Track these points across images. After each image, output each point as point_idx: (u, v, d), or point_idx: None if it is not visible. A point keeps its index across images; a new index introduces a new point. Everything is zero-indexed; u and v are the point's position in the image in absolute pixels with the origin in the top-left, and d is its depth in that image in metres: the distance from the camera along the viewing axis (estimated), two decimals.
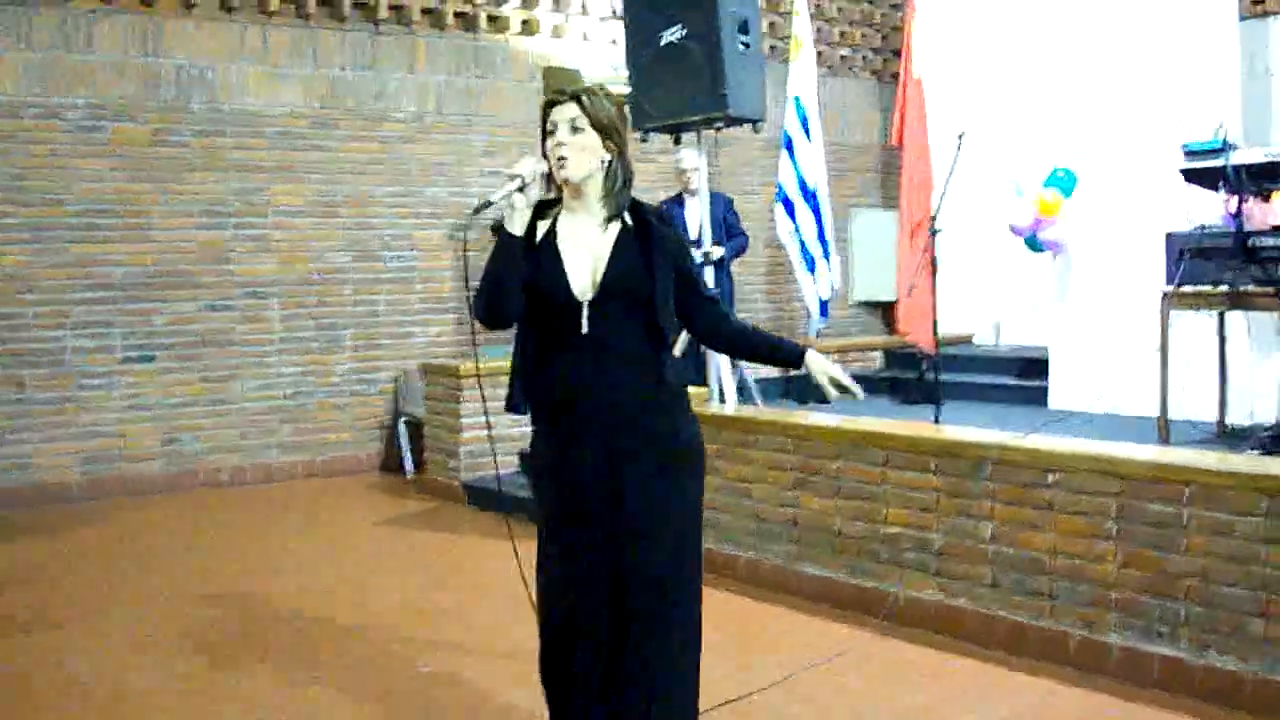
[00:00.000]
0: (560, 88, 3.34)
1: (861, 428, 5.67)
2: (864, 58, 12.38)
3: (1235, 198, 5.90)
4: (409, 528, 7.77)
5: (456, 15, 9.68)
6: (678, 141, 7.45)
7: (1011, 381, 9.41)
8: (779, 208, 9.25)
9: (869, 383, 9.62)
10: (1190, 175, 6.06)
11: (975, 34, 9.89)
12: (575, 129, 3.24)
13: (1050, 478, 4.85)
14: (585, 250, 3.29)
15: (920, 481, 5.35)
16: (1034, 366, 9.30)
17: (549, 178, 3.30)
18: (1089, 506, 4.74)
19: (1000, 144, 9.37)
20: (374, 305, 9.55)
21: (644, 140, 7.16)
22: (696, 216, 8.79)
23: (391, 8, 9.40)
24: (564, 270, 3.27)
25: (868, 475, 5.57)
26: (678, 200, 8.97)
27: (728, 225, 8.93)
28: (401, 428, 9.44)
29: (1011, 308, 10.35)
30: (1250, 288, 6.31)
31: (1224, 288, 6.45)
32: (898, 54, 12.46)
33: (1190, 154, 6.00)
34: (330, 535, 7.52)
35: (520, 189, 3.20)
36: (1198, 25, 8.94)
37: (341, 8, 9.21)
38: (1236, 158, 5.76)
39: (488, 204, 3.26)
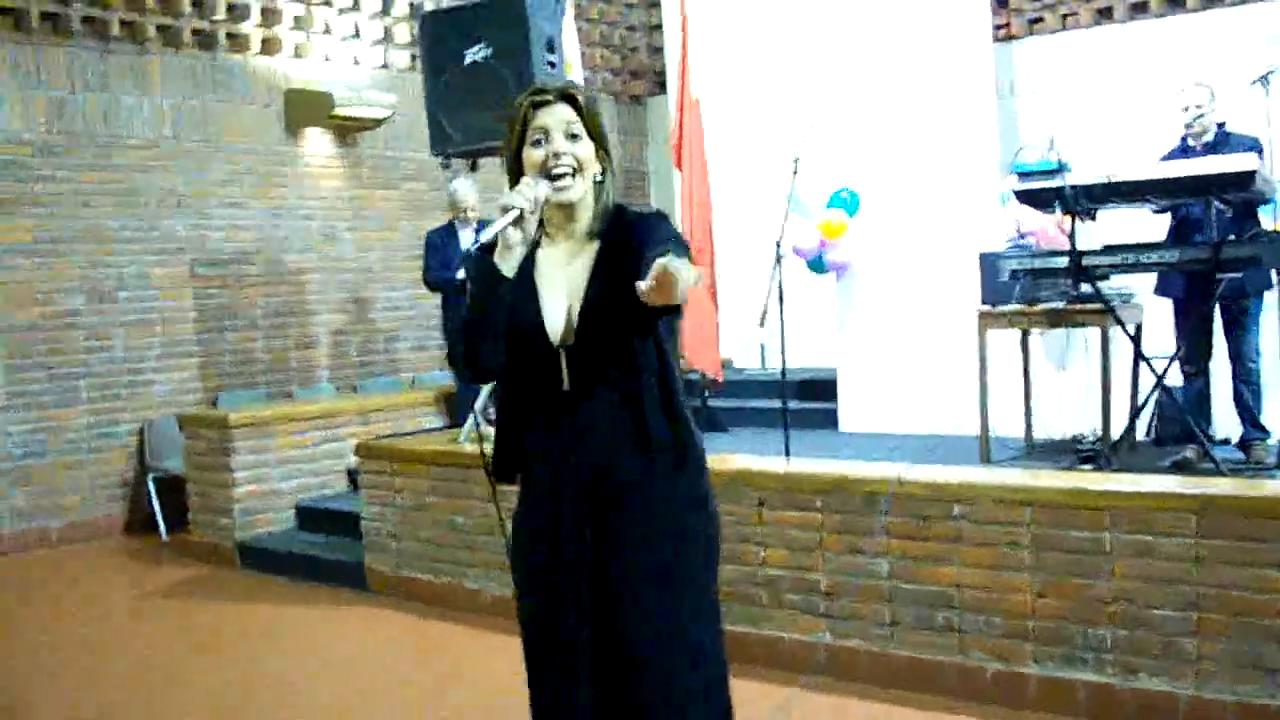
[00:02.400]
0: (543, 85, 2.81)
1: (735, 467, 5.36)
2: (603, 79, 12.15)
3: (1069, 218, 5.92)
4: (181, 597, 6.95)
5: (194, 33, 8.83)
6: (474, 168, 6.94)
7: (794, 405, 9.31)
8: None
9: None
10: (1023, 196, 6.06)
11: (752, 55, 9.81)
12: (572, 135, 2.71)
13: (956, 509, 4.68)
14: (563, 284, 2.76)
15: (801, 520, 5.08)
16: (811, 388, 9.25)
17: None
18: (1000, 537, 4.60)
19: (783, 165, 9.27)
20: (110, 351, 8.57)
21: (446, 167, 6.66)
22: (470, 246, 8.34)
23: (123, 24, 8.48)
24: (540, 312, 2.74)
25: (742, 515, 5.25)
26: (449, 230, 8.46)
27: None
28: (151, 485, 8.50)
29: (777, 331, 10.28)
30: (1076, 305, 6.39)
31: (1046, 305, 6.52)
32: (636, 75, 12.36)
33: (1023, 175, 5.99)
34: (94, 614, 6.61)
35: (518, 221, 2.62)
36: (957, 47, 9.16)
37: (69, 23, 8.23)
38: (1073, 178, 5.77)
39: (490, 244, 2.69)
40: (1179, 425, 6.65)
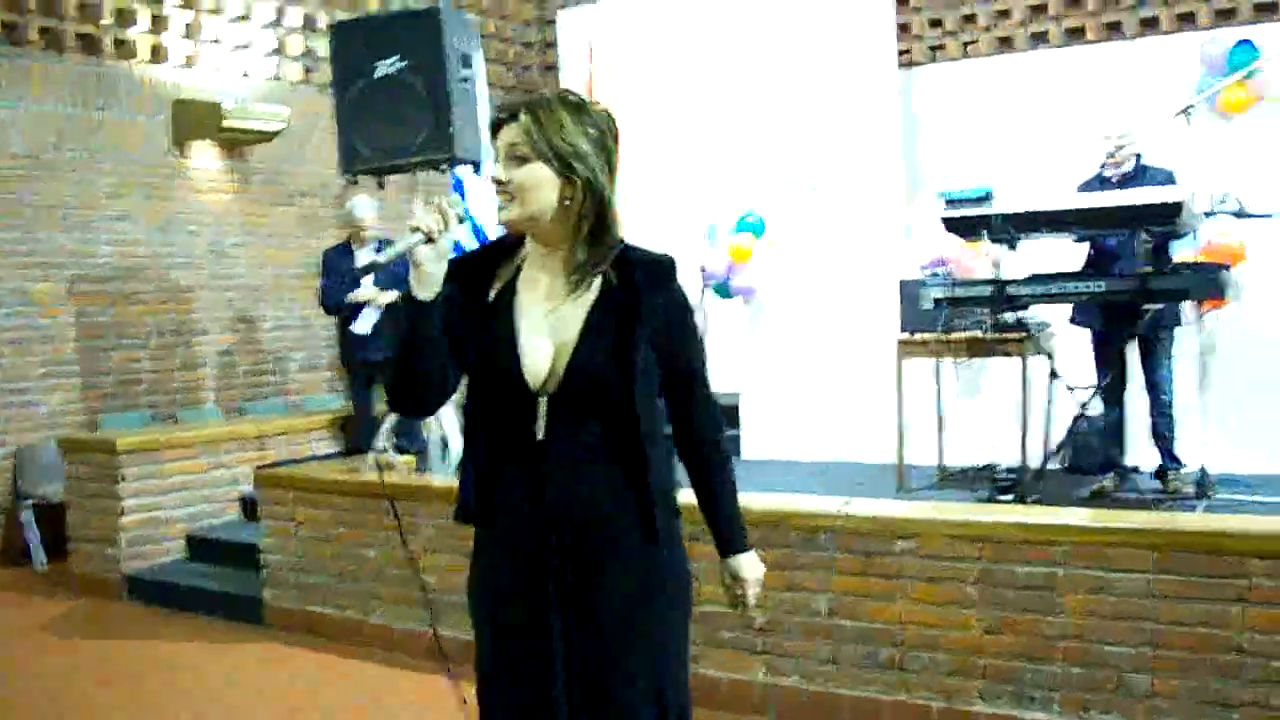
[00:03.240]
0: (505, 103, 2.54)
1: None
2: (495, 98, 11.90)
3: (997, 246, 5.88)
4: (64, 632, 6.53)
5: (79, 37, 8.36)
6: (381, 185, 6.66)
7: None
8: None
9: None
10: (950, 223, 6.00)
11: (659, 78, 9.66)
12: (516, 158, 2.44)
13: (899, 545, 4.56)
14: (548, 321, 2.49)
15: None
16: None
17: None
18: (946, 573, 4.49)
19: (692, 188, 9.16)
20: None
21: (353, 184, 6.40)
22: None
23: (4, 25, 7.99)
24: (517, 350, 2.47)
25: None
26: (344, 249, 8.17)
27: (401, 276, 8.22)
28: (27, 513, 8.00)
29: None
30: (997, 334, 6.38)
31: (966, 334, 6.50)
32: (529, 94, 12.11)
33: (951, 203, 5.94)
34: None
35: (427, 242, 2.37)
36: (862, 72, 9.16)
37: None
38: (1002, 206, 5.73)
39: (371, 266, 2.51)
40: (1092, 455, 6.67)
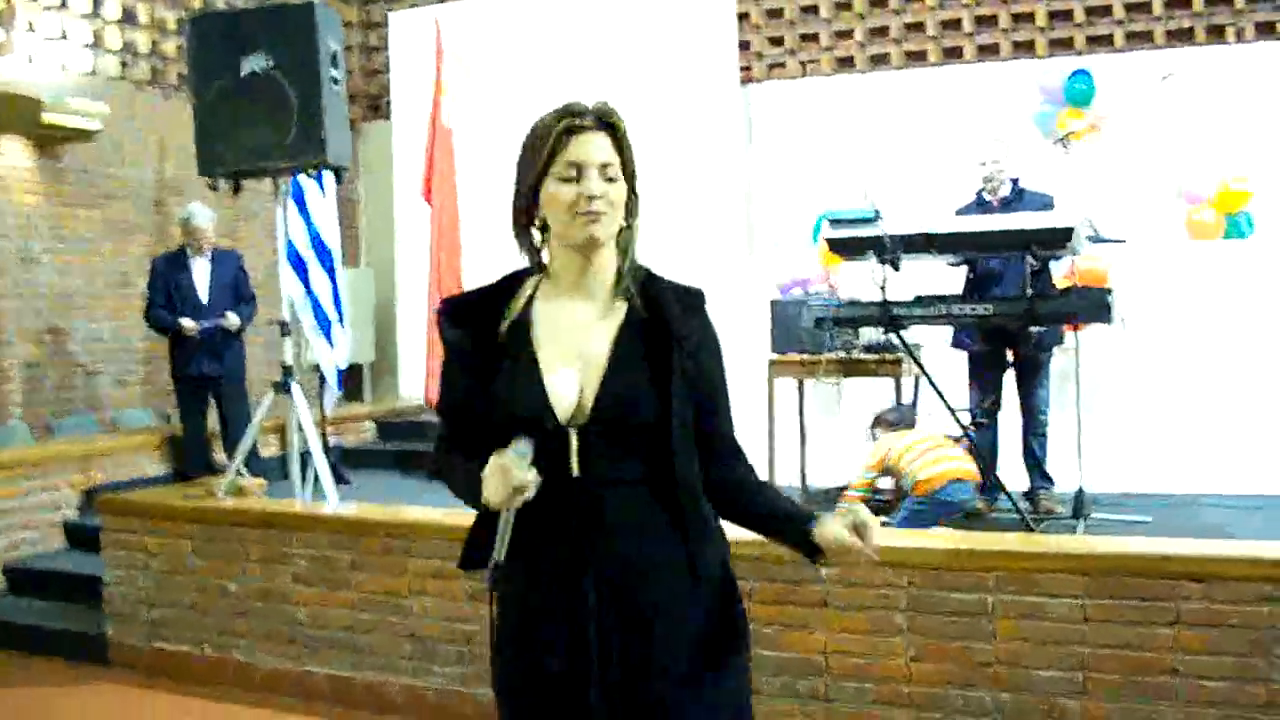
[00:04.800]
0: (581, 108, 2.34)
1: None
2: None
3: (882, 267, 5.83)
4: None
5: None
6: (237, 190, 6.22)
7: None
8: (286, 266, 8.16)
9: (367, 456, 8.91)
10: (835, 244, 5.94)
11: (505, 86, 9.39)
12: (609, 179, 2.28)
13: (824, 572, 4.44)
14: (573, 349, 2.31)
15: None
16: None
17: (532, 246, 2.37)
18: (872, 601, 4.40)
19: None
20: None
21: (214, 188, 5.97)
22: (205, 279, 7.62)
23: None
24: (543, 383, 2.28)
25: None
26: (176, 260, 7.68)
27: (238, 288, 7.79)
28: None
29: None
30: (874, 355, 6.38)
31: (839, 355, 6.48)
32: (352, 99, 11.67)
33: (836, 223, 5.88)
34: None
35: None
36: (706, 88, 9.14)
37: None
38: (891, 227, 5.69)
39: (498, 562, 2.22)
40: None
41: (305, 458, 6.16)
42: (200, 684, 5.59)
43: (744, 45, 9.68)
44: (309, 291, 7.80)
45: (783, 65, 9.78)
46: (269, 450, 7.92)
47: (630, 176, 2.34)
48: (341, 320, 8.17)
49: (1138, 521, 5.94)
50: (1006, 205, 6.34)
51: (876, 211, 5.78)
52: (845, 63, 9.56)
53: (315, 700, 5.33)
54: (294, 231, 7.77)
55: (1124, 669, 4.10)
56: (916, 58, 9.33)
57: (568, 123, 2.31)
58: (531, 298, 2.37)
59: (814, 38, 9.65)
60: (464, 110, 8.64)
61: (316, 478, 6.05)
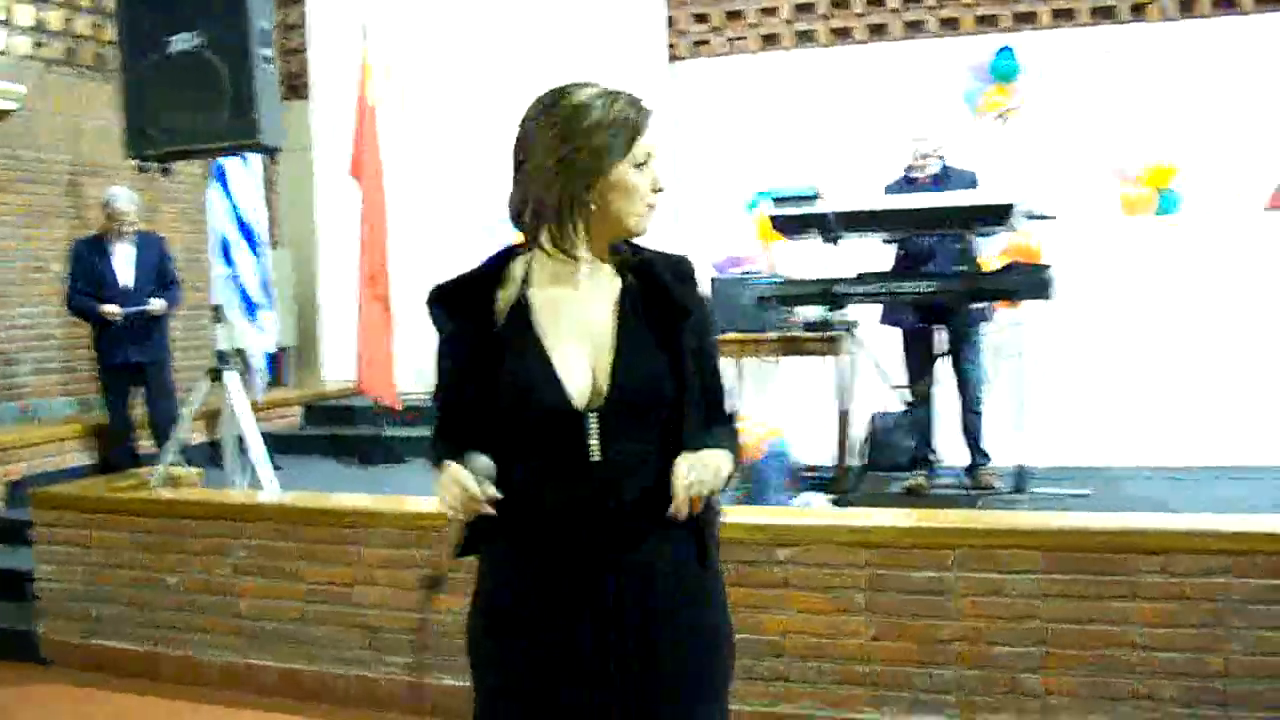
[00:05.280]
0: (634, 95, 2.32)
1: None
2: None
3: (828, 245, 5.84)
4: None
5: None
6: (166, 172, 6.04)
7: None
8: (215, 249, 7.98)
9: (295, 443, 8.76)
10: (778, 222, 5.93)
11: (433, 63, 9.25)
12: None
13: (781, 554, 4.44)
14: (576, 330, 2.26)
15: None
16: None
17: (525, 226, 2.30)
18: (833, 581, 4.41)
19: (471, 183, 8.79)
20: None
21: (142, 171, 5.81)
22: (128, 263, 7.43)
23: None
24: (552, 367, 2.23)
25: None
26: (97, 244, 7.48)
27: (162, 272, 7.61)
28: None
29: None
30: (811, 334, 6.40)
31: (781, 333, 6.49)
32: None
33: (780, 201, 5.88)
34: None
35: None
36: (633, 65, 9.06)
37: None
38: (833, 205, 5.70)
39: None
40: (892, 452, 6.74)
41: (240, 445, 6.03)
42: (141, 680, 5.44)
43: (670, 22, 9.64)
44: (235, 275, 7.65)
45: (708, 43, 9.75)
46: (195, 437, 7.75)
47: None
48: (270, 304, 8.03)
49: (1077, 495, 6.03)
50: (935, 183, 6.38)
51: (814, 190, 5.80)
52: (771, 40, 9.56)
53: (263, 694, 5.23)
54: (219, 213, 7.62)
55: (1083, 643, 4.15)
56: (843, 35, 9.36)
57: (646, 111, 2.31)
58: (525, 279, 2.30)
59: (740, 15, 9.63)
60: (390, 87, 8.50)
61: (252, 466, 5.92)
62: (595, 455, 2.20)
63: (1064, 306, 6.20)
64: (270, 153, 5.80)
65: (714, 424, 2.32)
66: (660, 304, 2.27)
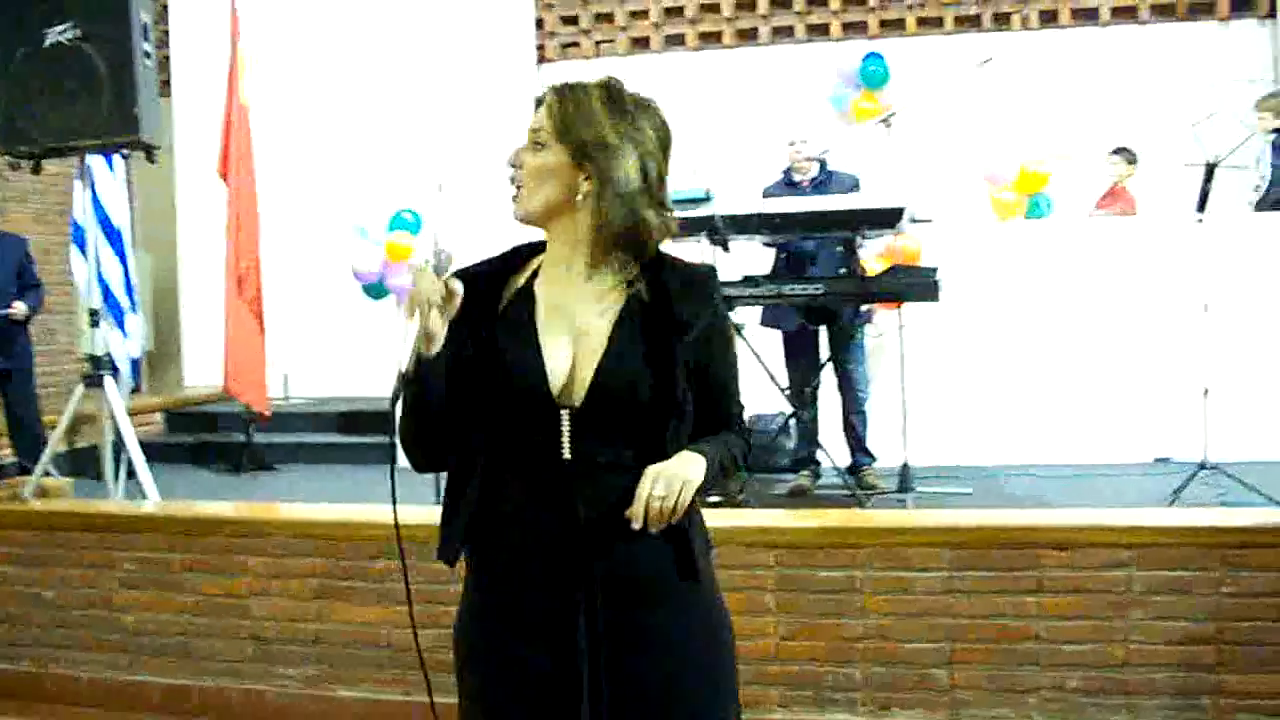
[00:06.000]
0: (554, 85, 2.25)
1: (431, 519, 4.80)
2: None
3: (717, 248, 5.86)
4: None
5: None
6: (37, 170, 5.79)
7: (341, 439, 8.68)
8: (74, 250, 7.70)
9: (158, 450, 8.49)
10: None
11: (306, 62, 9.05)
12: (536, 145, 2.18)
13: None
14: (571, 331, 2.19)
15: None
16: (358, 421, 8.68)
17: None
18: (741, 581, 4.41)
19: (340, 183, 8.63)
20: None
21: (14, 168, 5.57)
22: None
23: None
24: (540, 357, 2.18)
25: (435, 574, 4.71)
26: None
27: (23, 274, 7.32)
28: None
29: (307, 358, 9.55)
30: None
31: None
32: None
33: (675, 203, 5.86)
34: None
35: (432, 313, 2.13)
36: (503, 66, 9.03)
37: None
38: (724, 207, 5.73)
39: (400, 386, 2.16)
40: (773, 454, 6.80)
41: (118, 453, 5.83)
42: (19, 701, 5.20)
43: (538, 24, 9.62)
44: (101, 277, 7.39)
45: (577, 45, 9.75)
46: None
47: (582, 146, 2.16)
48: (134, 306, 7.80)
49: (959, 493, 6.16)
50: (817, 186, 6.46)
51: (708, 192, 5.82)
52: (640, 43, 9.61)
53: (148, 712, 5.04)
54: (80, 212, 7.35)
55: (990, 637, 4.24)
56: (712, 39, 9.45)
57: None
58: (536, 272, 2.27)
59: (609, 18, 9.65)
60: (258, 85, 8.30)
61: (131, 473, 5.74)
62: (566, 453, 2.15)
63: (942, 308, 6.34)
64: (149, 150, 5.61)
65: (726, 433, 2.28)
66: (663, 315, 2.20)
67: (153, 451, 8.23)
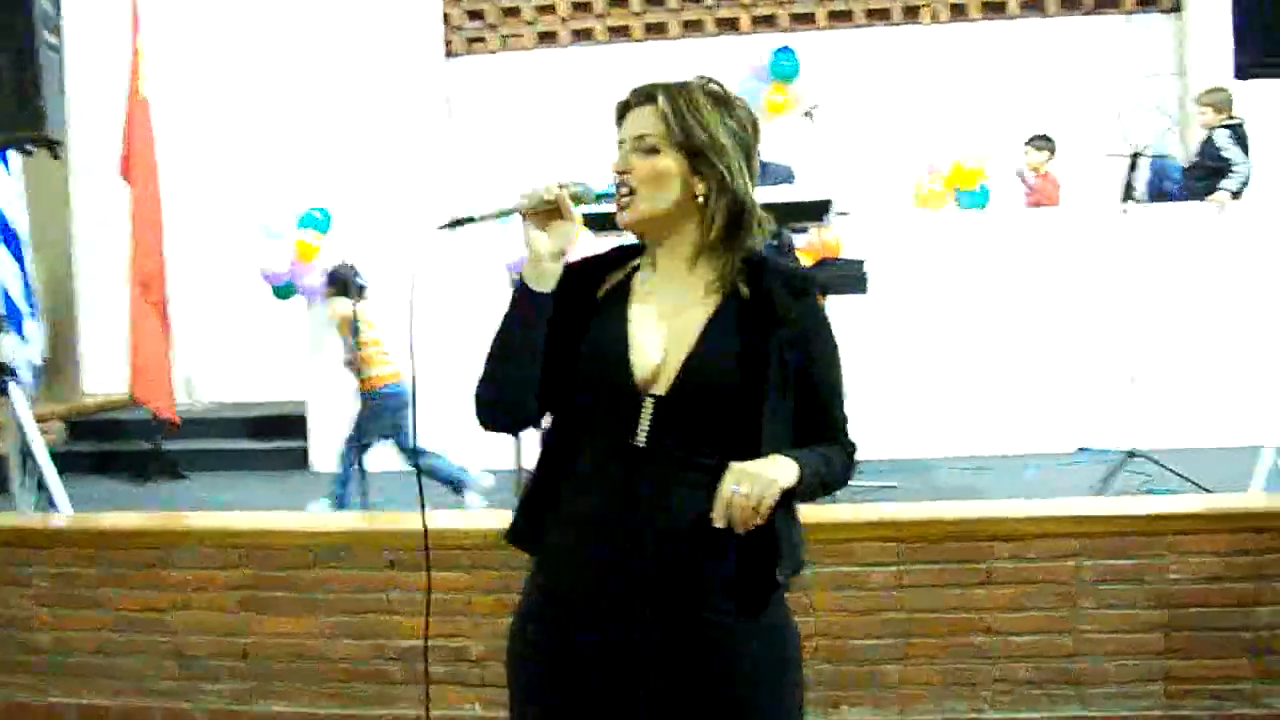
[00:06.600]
0: (641, 86, 2.22)
1: (351, 526, 4.68)
2: None
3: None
4: None
5: None
6: None
7: (251, 445, 8.43)
8: None
9: (58, 460, 8.14)
10: (592, 220, 5.82)
11: (207, 57, 8.77)
12: (647, 150, 2.17)
13: None
14: (664, 322, 2.16)
15: (447, 581, 4.50)
16: (270, 425, 8.45)
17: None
18: None
19: (245, 181, 8.38)
20: None
21: None
22: None
23: None
24: (626, 342, 2.14)
25: (365, 580, 4.58)
26: None
27: None
28: None
29: (212, 361, 9.27)
30: None
31: None
32: None
33: (600, 197, 5.76)
34: None
35: (535, 212, 2.16)
36: (410, 61, 8.88)
37: None
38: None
39: (467, 219, 2.11)
40: None
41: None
42: None
43: (445, 19, 9.48)
44: None
45: (484, 39, 9.62)
46: None
47: (700, 150, 2.16)
48: (34, 312, 7.51)
49: (886, 486, 6.16)
50: None
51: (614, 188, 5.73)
52: (548, 38, 9.52)
53: None
54: None
55: (940, 631, 4.20)
56: (620, 33, 9.38)
57: (622, 105, 2.26)
58: (636, 268, 2.25)
59: (516, 12, 9.53)
60: (161, 82, 8.03)
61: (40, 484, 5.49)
62: (641, 440, 2.09)
63: (864, 301, 6.32)
64: (53, 146, 5.37)
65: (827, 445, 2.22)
66: (761, 313, 2.14)
67: (53, 461, 8.01)
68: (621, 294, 2.22)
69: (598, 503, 2.11)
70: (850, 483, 5.14)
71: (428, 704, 2.34)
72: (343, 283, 6.94)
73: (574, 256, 2.26)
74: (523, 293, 2.14)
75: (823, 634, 4.26)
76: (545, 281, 2.13)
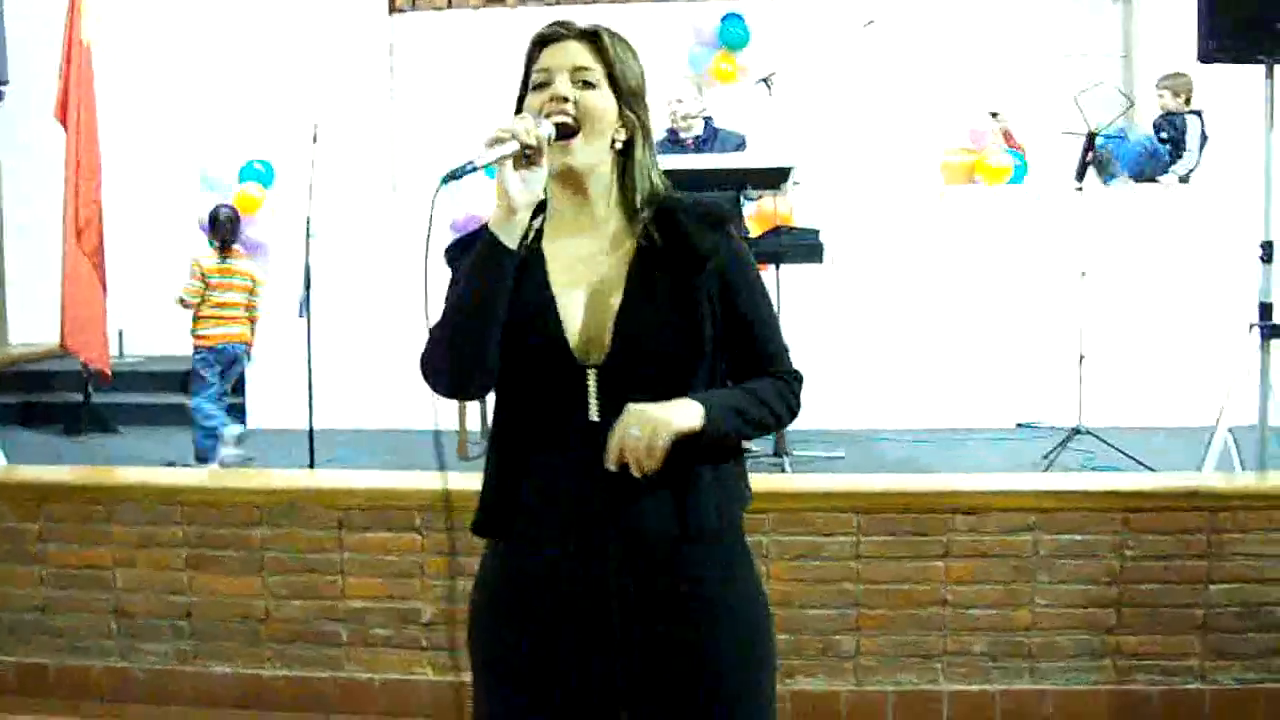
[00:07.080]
0: (564, 20, 2.09)
1: (304, 484, 4.59)
2: None
3: None
4: None
5: None
6: None
7: (184, 400, 8.25)
8: None
9: None
10: None
11: (153, 3, 8.55)
12: (585, 83, 2.03)
13: None
14: (585, 281, 2.05)
15: (396, 542, 4.44)
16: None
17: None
18: None
19: (185, 131, 8.19)
20: None
21: None
22: None
23: None
24: (557, 315, 2.02)
25: (313, 541, 4.49)
26: None
27: None
28: None
29: (144, 313, 9.06)
30: None
31: None
32: None
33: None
34: None
35: (522, 155, 1.92)
36: (354, 15, 8.73)
37: None
38: None
39: (469, 167, 1.93)
40: None
41: None
42: None
43: None
44: None
45: None
46: None
47: (631, 93, 2.07)
48: None
49: (833, 457, 6.17)
50: (701, 144, 6.38)
51: None
52: None
53: (2, 695, 4.69)
54: None
55: (896, 603, 4.20)
56: None
57: (542, 34, 2.10)
58: (540, 232, 2.10)
59: None
60: (102, 25, 7.80)
61: None
62: (594, 414, 2.00)
63: (815, 271, 6.30)
64: None
65: (757, 379, 2.11)
66: (681, 254, 2.04)
67: None
68: (535, 261, 2.07)
69: (567, 486, 2.02)
70: (799, 452, 5.09)
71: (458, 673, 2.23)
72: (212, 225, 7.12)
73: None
74: (491, 246, 1.96)
75: (778, 603, 4.19)
76: (514, 234, 1.96)
